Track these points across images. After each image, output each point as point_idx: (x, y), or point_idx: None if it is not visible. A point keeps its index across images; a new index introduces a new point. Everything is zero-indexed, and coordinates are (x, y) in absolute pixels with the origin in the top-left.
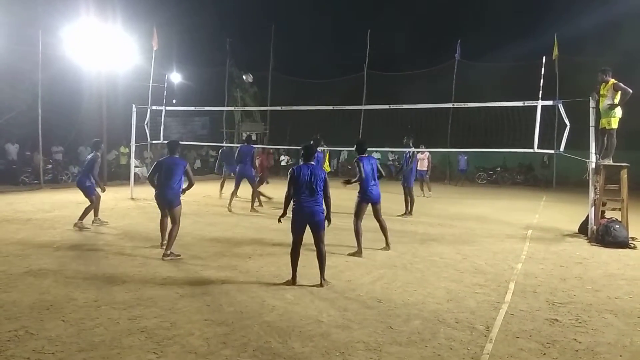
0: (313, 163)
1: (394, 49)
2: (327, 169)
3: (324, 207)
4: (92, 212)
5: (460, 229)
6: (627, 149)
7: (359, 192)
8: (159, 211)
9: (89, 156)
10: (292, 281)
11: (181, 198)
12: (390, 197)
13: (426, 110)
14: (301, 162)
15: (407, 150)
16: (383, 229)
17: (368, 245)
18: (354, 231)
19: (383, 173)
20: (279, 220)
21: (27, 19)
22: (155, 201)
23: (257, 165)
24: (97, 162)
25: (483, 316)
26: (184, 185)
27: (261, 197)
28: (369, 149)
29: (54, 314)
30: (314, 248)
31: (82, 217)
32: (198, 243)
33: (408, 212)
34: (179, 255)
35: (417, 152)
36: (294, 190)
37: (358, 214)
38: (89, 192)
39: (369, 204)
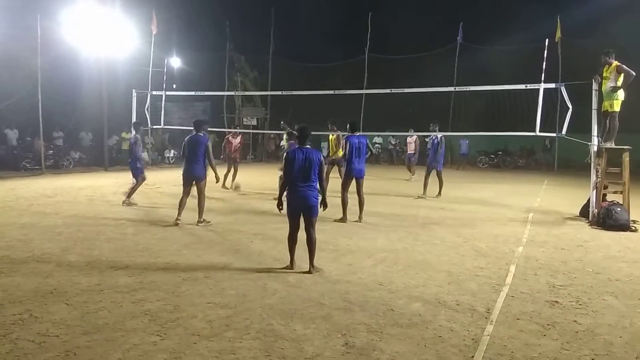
0: (308, 146)
1: (396, 32)
2: (340, 153)
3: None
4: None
5: (461, 212)
6: (629, 132)
7: (345, 168)
8: (159, 196)
9: (131, 139)
10: (290, 266)
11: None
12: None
13: (428, 94)
14: (296, 145)
15: (433, 135)
16: (360, 203)
17: (370, 228)
18: (341, 201)
19: (373, 151)
20: (278, 208)
21: (25, 3)
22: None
23: (227, 150)
24: (138, 144)
25: (484, 298)
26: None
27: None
28: (371, 133)
29: (57, 298)
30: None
31: (129, 195)
32: (200, 227)
33: (438, 193)
34: (209, 222)
35: (407, 136)
36: (288, 174)
37: (344, 186)
38: (135, 173)
39: (353, 178)
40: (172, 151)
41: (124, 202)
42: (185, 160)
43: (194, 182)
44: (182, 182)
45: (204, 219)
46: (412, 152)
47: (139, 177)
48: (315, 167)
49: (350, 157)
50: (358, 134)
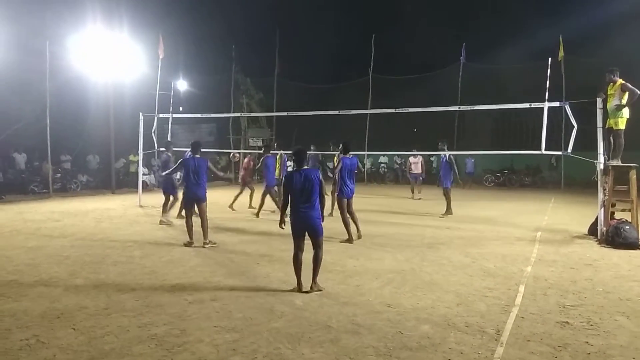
0: (305, 167)
1: (399, 53)
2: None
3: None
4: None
5: (468, 231)
6: (636, 150)
7: (337, 187)
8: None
9: (163, 158)
10: (298, 288)
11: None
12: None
13: (432, 113)
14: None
15: (442, 154)
16: (355, 220)
17: (376, 249)
18: (342, 223)
19: (362, 168)
20: (281, 227)
21: (35, 29)
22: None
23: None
24: (170, 161)
25: (493, 320)
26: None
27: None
28: (377, 153)
29: (64, 323)
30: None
31: (163, 212)
32: (207, 250)
33: (448, 212)
34: (216, 244)
35: (410, 155)
36: (289, 196)
37: (342, 208)
38: (167, 190)
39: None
40: (179, 173)
41: (160, 221)
42: (188, 183)
43: (195, 204)
44: (184, 205)
45: (209, 240)
46: (420, 172)
47: (170, 194)
48: (315, 187)
49: (344, 178)
50: (350, 155)
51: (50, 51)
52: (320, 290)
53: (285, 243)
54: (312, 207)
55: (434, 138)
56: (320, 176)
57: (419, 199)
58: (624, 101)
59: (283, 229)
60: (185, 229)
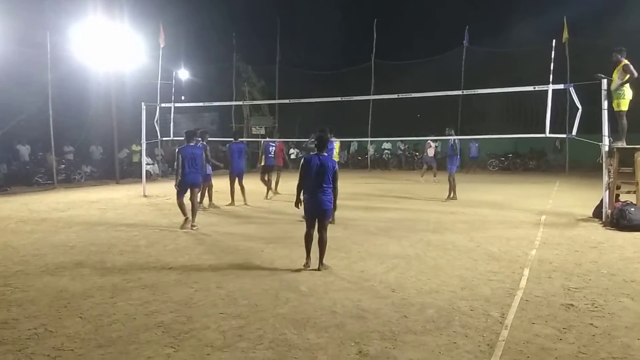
0: (325, 154)
1: (401, 38)
2: (337, 158)
3: (332, 196)
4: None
5: (473, 216)
6: None
7: None
8: (170, 207)
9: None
10: (306, 263)
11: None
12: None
13: (436, 98)
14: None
15: (450, 138)
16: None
17: (381, 234)
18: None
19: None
20: (297, 206)
21: (35, 20)
22: (182, 184)
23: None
24: (206, 151)
25: (498, 303)
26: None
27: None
28: (380, 139)
29: (71, 312)
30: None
31: (209, 200)
32: (211, 237)
33: (450, 197)
34: (198, 227)
35: (428, 141)
36: (305, 179)
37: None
38: (205, 179)
39: None
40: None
41: (210, 205)
42: (185, 170)
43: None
44: (180, 189)
45: (196, 223)
46: (432, 156)
47: (207, 182)
48: (329, 174)
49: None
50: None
51: (51, 42)
52: (327, 269)
53: (289, 230)
54: (324, 192)
55: (439, 123)
56: (336, 165)
57: (437, 182)
58: (626, 82)
59: (299, 208)
60: (179, 209)
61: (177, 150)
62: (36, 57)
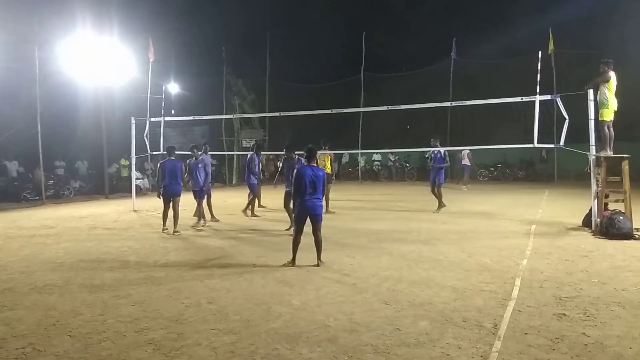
0: (314, 164)
1: (390, 50)
2: (329, 170)
3: (323, 202)
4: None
5: (464, 226)
6: (629, 140)
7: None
8: (160, 222)
9: (247, 158)
10: (292, 262)
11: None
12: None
13: (425, 110)
14: (304, 163)
15: (434, 150)
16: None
17: (372, 246)
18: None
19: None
20: (293, 208)
21: (23, 35)
22: (163, 196)
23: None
24: (253, 160)
25: (490, 314)
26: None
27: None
28: (370, 151)
29: (60, 330)
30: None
31: (250, 208)
32: (202, 251)
33: (441, 207)
34: (180, 233)
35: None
36: (298, 187)
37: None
38: (251, 188)
39: None
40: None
41: (249, 214)
42: (166, 181)
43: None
44: (163, 200)
45: (178, 229)
46: (468, 164)
47: (253, 191)
48: (320, 182)
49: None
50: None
51: (40, 57)
52: (324, 264)
53: (280, 244)
54: (317, 198)
55: (427, 134)
56: (324, 174)
57: (464, 188)
58: (609, 93)
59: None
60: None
61: (158, 164)
62: (24, 72)
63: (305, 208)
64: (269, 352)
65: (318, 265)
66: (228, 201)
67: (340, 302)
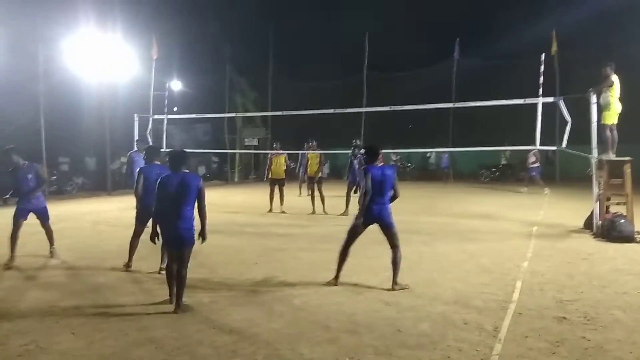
0: (381, 164)
1: (393, 50)
2: (312, 172)
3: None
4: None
5: (464, 227)
6: (631, 143)
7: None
8: None
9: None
10: (334, 281)
11: None
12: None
13: (428, 110)
14: (379, 164)
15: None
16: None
17: (373, 247)
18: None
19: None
20: (360, 217)
21: (27, 32)
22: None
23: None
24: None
25: (491, 316)
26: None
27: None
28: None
29: (63, 327)
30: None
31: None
32: (203, 251)
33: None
34: None
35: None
36: (371, 189)
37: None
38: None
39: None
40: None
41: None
42: (146, 192)
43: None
44: (138, 218)
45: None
46: (537, 165)
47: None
48: (390, 182)
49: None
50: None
51: (43, 54)
52: (405, 288)
53: (281, 243)
54: (386, 201)
55: (430, 134)
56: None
57: (545, 192)
58: (611, 97)
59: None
60: None
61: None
62: (28, 68)
63: (372, 212)
64: (270, 352)
65: (393, 289)
66: (228, 199)
67: (341, 303)
